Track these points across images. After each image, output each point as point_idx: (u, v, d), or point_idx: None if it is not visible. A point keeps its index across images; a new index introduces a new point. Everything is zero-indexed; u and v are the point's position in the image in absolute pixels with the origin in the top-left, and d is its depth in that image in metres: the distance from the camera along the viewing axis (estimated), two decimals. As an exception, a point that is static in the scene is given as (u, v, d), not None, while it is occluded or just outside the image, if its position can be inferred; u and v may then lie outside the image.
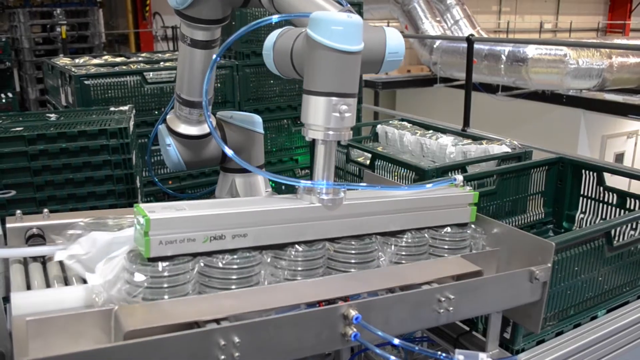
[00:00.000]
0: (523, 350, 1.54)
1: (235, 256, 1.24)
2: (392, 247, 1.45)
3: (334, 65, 1.30)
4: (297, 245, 1.32)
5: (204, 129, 2.27)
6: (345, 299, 1.19)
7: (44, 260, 1.40)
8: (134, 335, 0.99)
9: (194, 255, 1.21)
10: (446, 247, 1.52)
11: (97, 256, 1.26)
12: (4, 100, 6.79)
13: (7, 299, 1.17)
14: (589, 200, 2.32)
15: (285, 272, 1.31)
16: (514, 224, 2.35)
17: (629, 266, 1.77)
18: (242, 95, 3.50)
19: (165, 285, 1.16)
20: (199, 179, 3.22)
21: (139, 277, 1.15)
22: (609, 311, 1.76)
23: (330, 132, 1.35)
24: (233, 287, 1.23)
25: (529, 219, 2.42)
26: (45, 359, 0.88)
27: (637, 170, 2.35)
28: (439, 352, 1.24)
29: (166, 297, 1.15)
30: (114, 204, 2.20)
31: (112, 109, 2.55)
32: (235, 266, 1.23)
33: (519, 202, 2.37)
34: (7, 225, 1.44)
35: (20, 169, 2.08)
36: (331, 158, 1.41)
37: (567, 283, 1.59)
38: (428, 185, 1.56)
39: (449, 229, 1.54)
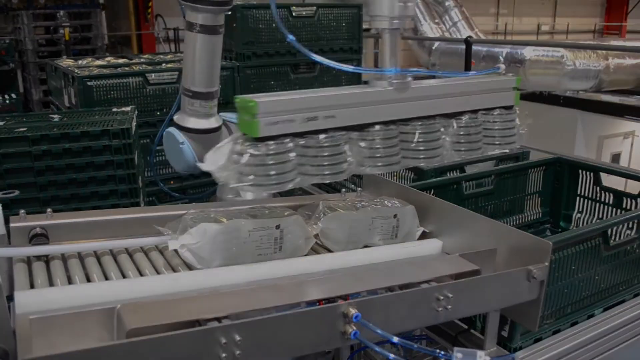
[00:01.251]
0: (521, 348, 1.54)
1: (325, 135, 1.41)
2: (454, 126, 1.61)
3: None
4: (375, 126, 1.49)
5: (212, 122, 2.25)
6: (345, 297, 1.19)
7: (47, 260, 1.40)
8: (136, 333, 0.99)
9: (293, 135, 1.36)
10: (497, 127, 1.67)
11: (206, 245, 1.37)
12: (7, 101, 6.79)
13: (10, 298, 1.17)
14: (586, 200, 2.32)
15: (366, 150, 1.48)
16: (511, 223, 2.35)
17: (625, 265, 1.77)
18: (243, 96, 3.50)
19: (271, 162, 1.32)
20: (200, 179, 3.22)
21: (248, 156, 1.30)
22: (605, 309, 1.76)
23: (395, 21, 1.49)
24: (325, 163, 1.40)
25: (526, 219, 2.42)
26: (49, 356, 0.88)
27: (633, 171, 2.35)
28: (438, 350, 1.24)
29: (272, 172, 1.33)
30: (116, 204, 2.20)
31: (114, 109, 2.55)
32: (327, 143, 1.40)
33: (517, 201, 2.37)
34: (11, 225, 1.44)
35: (24, 169, 2.08)
36: (397, 46, 1.54)
37: (564, 282, 1.59)
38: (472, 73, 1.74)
39: (498, 111, 1.68)
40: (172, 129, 2.26)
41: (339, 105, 1.42)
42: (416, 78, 1.59)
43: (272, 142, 1.32)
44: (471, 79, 1.68)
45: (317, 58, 1.48)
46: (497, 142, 1.69)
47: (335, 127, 1.42)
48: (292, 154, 1.36)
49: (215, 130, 2.26)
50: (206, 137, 2.24)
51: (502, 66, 1.74)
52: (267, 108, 1.31)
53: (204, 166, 1.36)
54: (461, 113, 1.63)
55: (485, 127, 1.67)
